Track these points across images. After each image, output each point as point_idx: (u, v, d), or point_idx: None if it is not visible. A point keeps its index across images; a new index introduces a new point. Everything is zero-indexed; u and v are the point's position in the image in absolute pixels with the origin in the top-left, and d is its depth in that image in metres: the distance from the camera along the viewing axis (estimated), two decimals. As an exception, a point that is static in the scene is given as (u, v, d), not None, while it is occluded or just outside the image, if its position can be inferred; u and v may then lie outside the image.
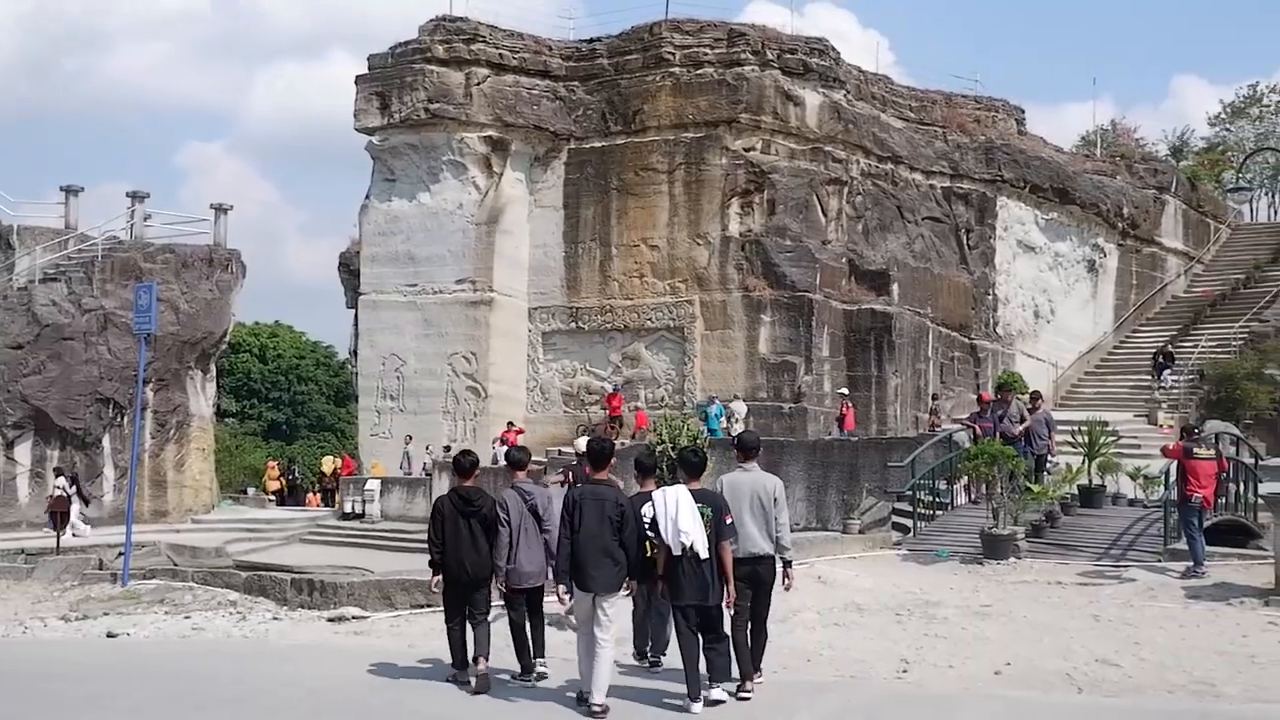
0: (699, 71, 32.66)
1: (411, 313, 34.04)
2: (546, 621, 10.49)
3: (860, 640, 12.09)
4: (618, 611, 9.43)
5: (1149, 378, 35.80)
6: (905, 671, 10.81)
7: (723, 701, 9.12)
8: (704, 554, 8.99)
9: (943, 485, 21.20)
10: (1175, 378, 34.10)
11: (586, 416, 32.80)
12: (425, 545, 10.34)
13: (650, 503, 9.24)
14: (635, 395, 31.96)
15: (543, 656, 10.33)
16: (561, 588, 9.33)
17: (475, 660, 9.87)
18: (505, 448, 31.42)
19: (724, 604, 9.20)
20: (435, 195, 33.85)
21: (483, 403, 33.17)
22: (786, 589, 9.87)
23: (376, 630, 12.20)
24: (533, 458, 10.85)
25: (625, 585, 9.41)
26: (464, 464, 10.26)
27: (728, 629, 9.33)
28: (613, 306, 32.90)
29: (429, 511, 10.54)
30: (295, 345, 68.12)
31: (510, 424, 32.41)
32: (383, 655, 11.14)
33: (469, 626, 10.04)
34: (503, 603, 10.26)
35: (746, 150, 32.28)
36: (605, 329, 33.12)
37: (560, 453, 29.70)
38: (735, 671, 9.38)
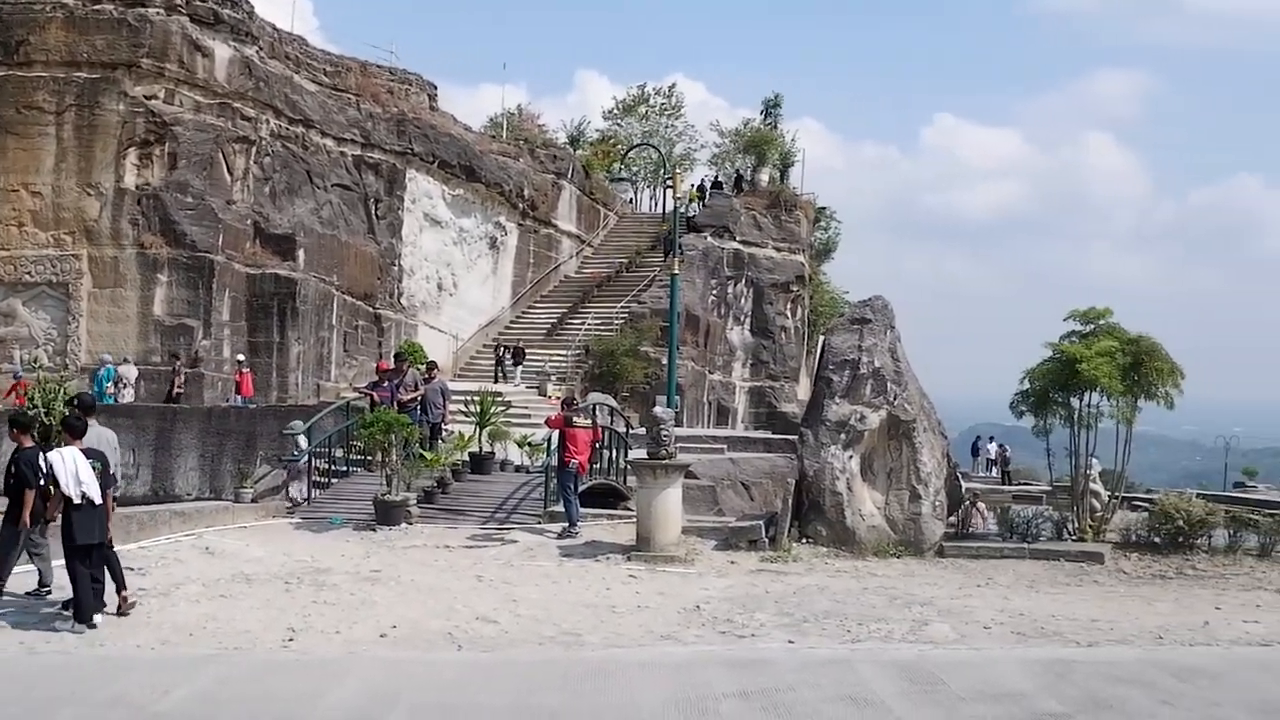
0: (96, 7, 30.04)
1: None
2: None
3: (247, 611, 11.88)
4: None
5: (545, 352, 38.15)
6: (292, 640, 10.78)
7: (94, 627, 10.72)
8: (98, 500, 10.83)
9: (339, 453, 21.34)
10: (522, 371, 36.24)
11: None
12: None
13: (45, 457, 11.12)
14: (8, 356, 28.92)
15: None
16: None
17: None
18: None
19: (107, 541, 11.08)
20: None
21: None
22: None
23: None
24: None
25: None
26: None
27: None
28: (-16, 256, 29.61)
29: None
30: None
31: None
32: None
33: None
34: None
35: (148, 98, 30.25)
36: (-26, 281, 29.75)
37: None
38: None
